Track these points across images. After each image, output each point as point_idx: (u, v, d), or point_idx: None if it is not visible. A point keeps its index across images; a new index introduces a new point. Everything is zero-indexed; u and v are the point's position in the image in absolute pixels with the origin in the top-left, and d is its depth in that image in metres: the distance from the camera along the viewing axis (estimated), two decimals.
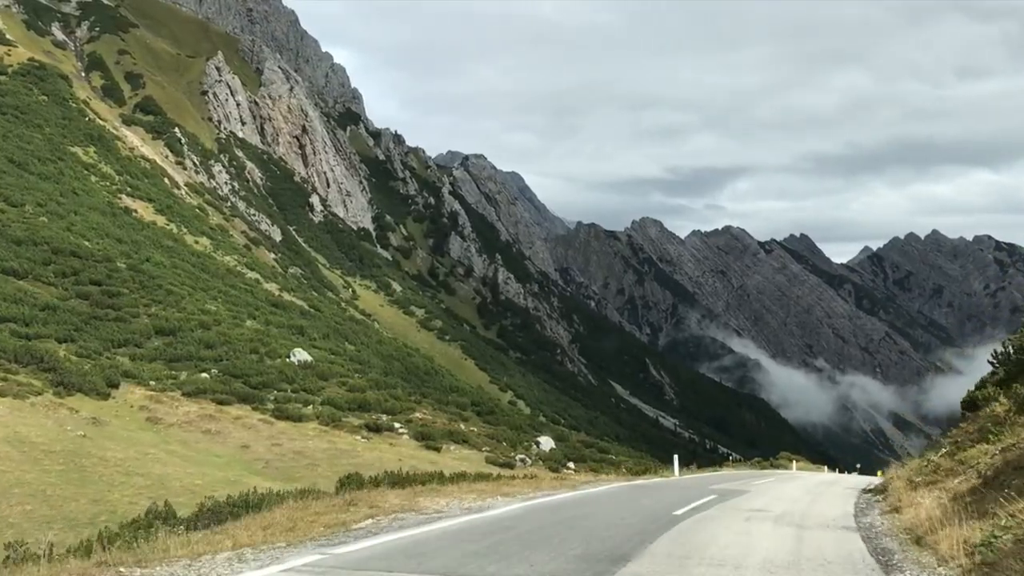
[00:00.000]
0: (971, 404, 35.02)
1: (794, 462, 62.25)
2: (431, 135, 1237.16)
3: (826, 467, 71.19)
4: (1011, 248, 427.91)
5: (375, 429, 37.79)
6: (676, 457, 36.56)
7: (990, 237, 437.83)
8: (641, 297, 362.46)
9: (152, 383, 38.78)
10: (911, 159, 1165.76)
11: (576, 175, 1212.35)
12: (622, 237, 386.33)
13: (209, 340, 46.79)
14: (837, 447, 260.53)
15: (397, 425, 39.18)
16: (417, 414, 42.82)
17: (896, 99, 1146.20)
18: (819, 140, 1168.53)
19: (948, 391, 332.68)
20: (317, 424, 36.88)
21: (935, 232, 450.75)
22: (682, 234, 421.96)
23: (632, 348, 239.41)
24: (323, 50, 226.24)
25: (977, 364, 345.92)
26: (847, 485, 30.47)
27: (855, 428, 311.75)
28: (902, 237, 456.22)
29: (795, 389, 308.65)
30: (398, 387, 48.68)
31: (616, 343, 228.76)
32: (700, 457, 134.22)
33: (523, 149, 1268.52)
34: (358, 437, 36.13)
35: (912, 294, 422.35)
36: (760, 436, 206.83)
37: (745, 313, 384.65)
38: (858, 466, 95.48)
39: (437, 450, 37.10)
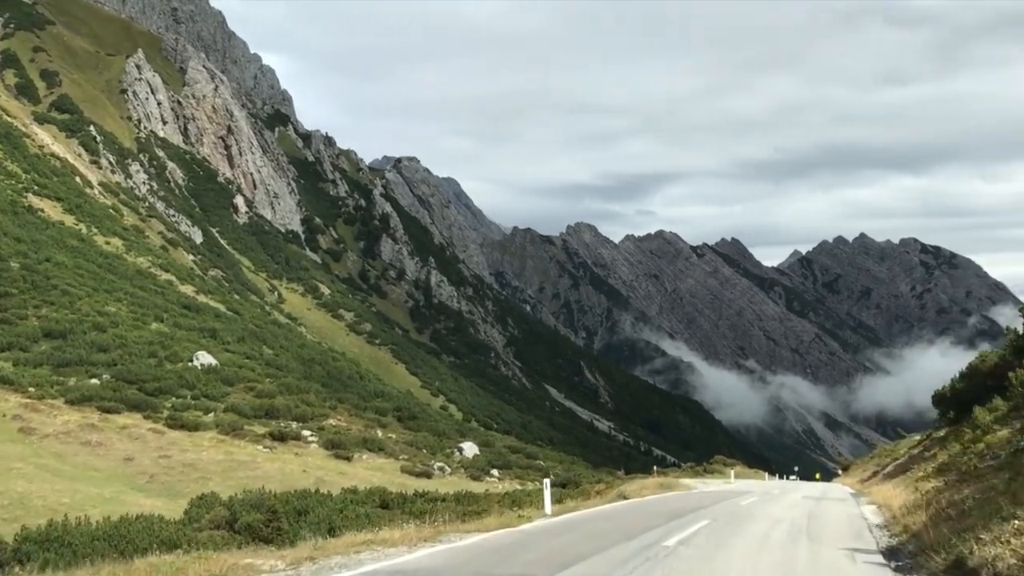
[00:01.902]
0: (940, 400, 34.29)
1: (732, 470, 60.17)
2: (368, 140, 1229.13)
3: (766, 474, 69.36)
4: (936, 251, 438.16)
5: (280, 438, 34.90)
6: (547, 485, 22.09)
7: (916, 240, 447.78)
8: (576, 301, 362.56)
9: (31, 389, 35.34)
10: (838, 164, 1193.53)
11: (512, 180, 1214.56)
12: (557, 242, 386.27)
13: (103, 343, 43.32)
14: (771, 448, 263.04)
15: (306, 433, 36.31)
16: (331, 421, 40.02)
17: (823, 104, 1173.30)
18: (749, 145, 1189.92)
19: (876, 391, 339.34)
20: (215, 433, 33.84)
21: (862, 235, 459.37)
22: (616, 239, 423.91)
23: (567, 352, 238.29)
24: (252, 52, 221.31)
25: (905, 364, 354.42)
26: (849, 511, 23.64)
27: (787, 429, 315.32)
28: (830, 240, 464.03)
29: (728, 390, 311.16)
30: (312, 392, 45.66)
31: (551, 347, 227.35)
32: (634, 460, 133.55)
33: (459, 154, 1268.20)
34: (260, 447, 33.21)
35: (841, 296, 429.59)
36: (695, 438, 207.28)
37: (678, 316, 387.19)
38: (796, 469, 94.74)
39: (348, 459, 34.34)
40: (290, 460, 32.20)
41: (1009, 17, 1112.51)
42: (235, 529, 14.83)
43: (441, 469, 36.98)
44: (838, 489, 39.32)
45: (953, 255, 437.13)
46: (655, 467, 58.98)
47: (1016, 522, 10.04)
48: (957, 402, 32.48)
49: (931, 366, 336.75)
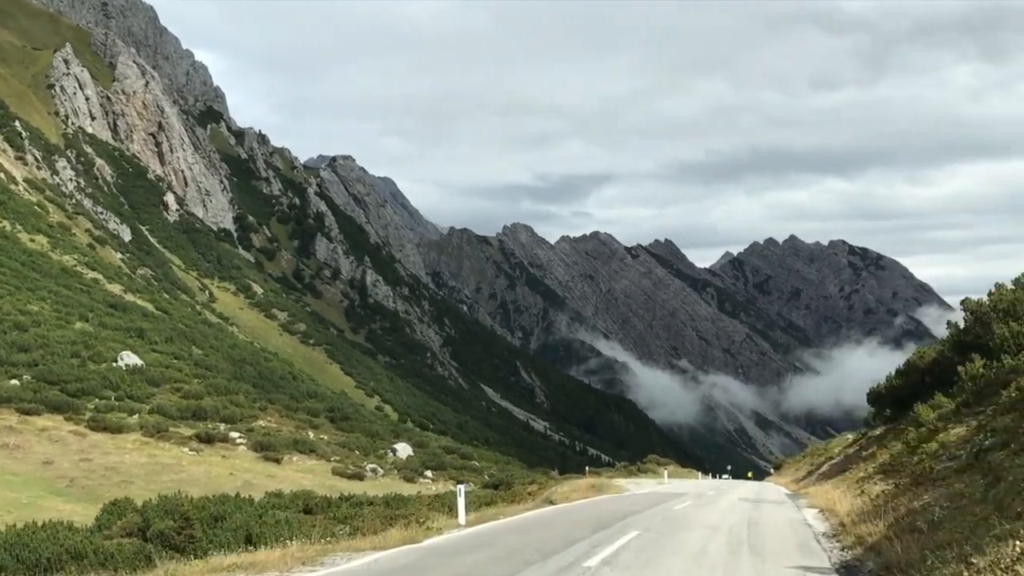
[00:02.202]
0: (876, 398, 34.21)
1: (665, 470, 60.49)
2: (303, 139, 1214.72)
3: (699, 473, 69.85)
4: (864, 252, 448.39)
5: (207, 440, 34.20)
6: (461, 492, 19.52)
7: (844, 242, 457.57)
8: (513, 301, 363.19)
9: None
10: (769, 167, 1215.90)
11: (449, 181, 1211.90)
12: (494, 242, 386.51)
13: (24, 343, 42.01)
14: (703, 447, 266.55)
15: (235, 435, 35.65)
16: (261, 422, 39.36)
17: (755, 108, 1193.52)
18: (683, 148, 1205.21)
19: (805, 390, 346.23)
20: (140, 435, 33.04)
21: (792, 237, 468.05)
22: (552, 240, 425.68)
23: (503, 352, 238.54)
24: (184, 48, 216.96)
25: (834, 364, 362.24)
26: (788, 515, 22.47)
27: (719, 428, 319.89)
28: (761, 242, 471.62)
29: (661, 390, 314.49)
30: (242, 393, 44.86)
31: (488, 347, 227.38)
32: (570, 460, 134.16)
33: (396, 154, 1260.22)
34: (186, 449, 32.51)
35: (771, 297, 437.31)
36: (629, 438, 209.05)
37: (613, 316, 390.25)
38: (729, 468, 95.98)
39: (278, 461, 33.80)
40: (217, 463, 31.59)
41: (933, 24, 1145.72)
42: (147, 537, 14.21)
43: (374, 471, 36.62)
44: (773, 490, 37.93)
45: (880, 257, 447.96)
46: (587, 468, 59.02)
47: (1018, 543, 8.08)
48: (894, 400, 32.14)
49: (859, 366, 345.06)
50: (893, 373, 33.59)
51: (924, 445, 18.78)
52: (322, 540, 14.95)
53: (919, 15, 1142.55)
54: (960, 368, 20.98)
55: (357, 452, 40.42)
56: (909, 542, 11.21)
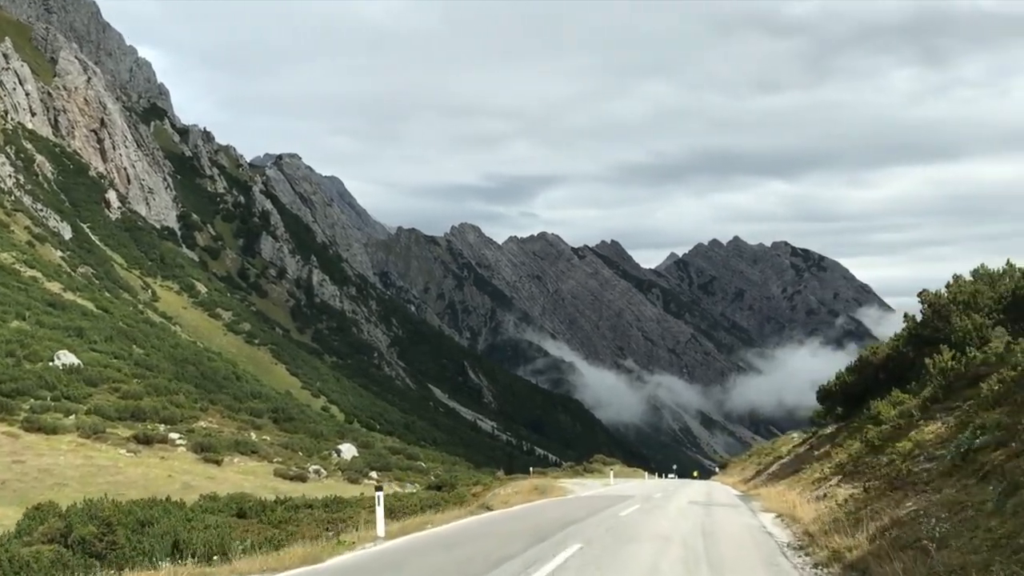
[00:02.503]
0: (826, 395, 33.61)
1: (611, 470, 60.46)
2: (250, 137, 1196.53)
3: (646, 473, 69.69)
4: (806, 254, 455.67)
5: (146, 441, 33.67)
6: (379, 500, 17.00)
7: (787, 244, 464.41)
8: (461, 302, 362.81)
9: None
10: (713, 169, 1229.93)
11: (397, 181, 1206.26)
12: (442, 242, 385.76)
13: None
14: (649, 446, 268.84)
15: (175, 436, 35.14)
16: (202, 423, 38.85)
17: (699, 110, 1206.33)
18: (628, 149, 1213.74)
19: (748, 390, 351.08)
20: (76, 437, 32.41)
21: (736, 239, 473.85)
22: (500, 240, 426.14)
23: (451, 352, 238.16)
24: (128, 44, 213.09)
25: (776, 364, 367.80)
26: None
27: (664, 427, 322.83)
28: (706, 243, 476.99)
29: (607, 390, 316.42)
30: (182, 393, 44.23)
31: (435, 347, 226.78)
32: (517, 459, 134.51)
33: (344, 154, 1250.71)
34: (123, 451, 31.96)
35: (716, 298, 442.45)
36: (576, 437, 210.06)
37: (560, 317, 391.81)
38: (674, 467, 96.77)
39: (218, 463, 33.41)
40: (155, 464, 31.12)
41: (875, 29, 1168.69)
42: (68, 543, 13.69)
43: (317, 472, 36.34)
44: (723, 490, 36.09)
45: (822, 258, 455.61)
46: (531, 468, 58.86)
47: None
48: (846, 397, 31.54)
49: (801, 365, 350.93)
50: (844, 370, 32.83)
51: (895, 444, 17.39)
52: (209, 562, 13.14)
53: (861, 19, 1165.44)
54: (928, 360, 20.01)
55: (300, 453, 40.11)
56: (910, 562, 9.35)
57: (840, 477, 20.72)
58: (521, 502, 26.39)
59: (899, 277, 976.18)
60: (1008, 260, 24.30)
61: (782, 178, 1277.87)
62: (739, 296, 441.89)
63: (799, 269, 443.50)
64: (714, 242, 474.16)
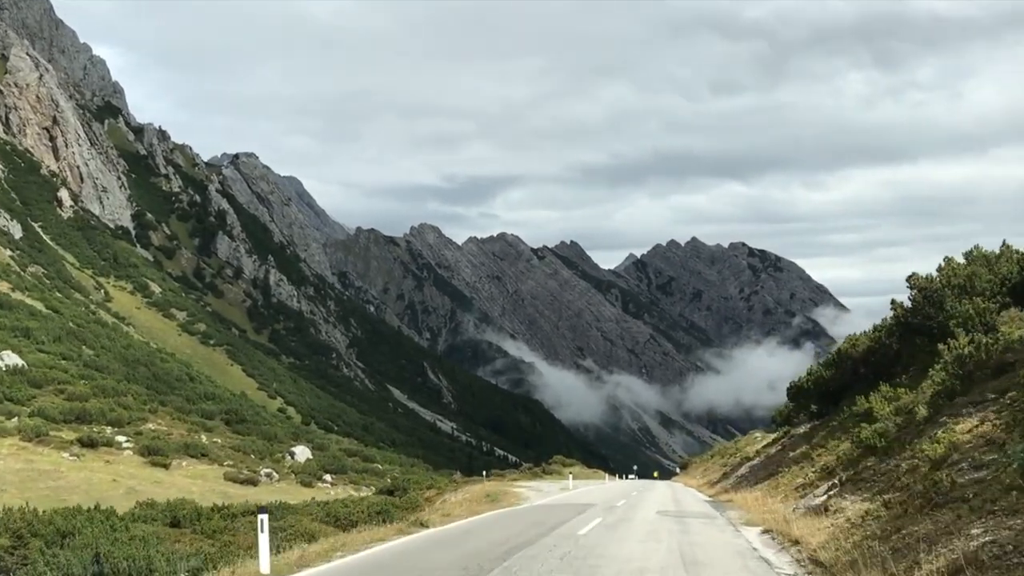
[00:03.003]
0: (797, 392, 32.40)
1: (570, 473, 58.73)
2: (207, 137, 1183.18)
3: (606, 475, 68.58)
4: (763, 254, 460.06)
5: (91, 444, 32.81)
6: (263, 525, 12.72)
7: (744, 244, 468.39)
8: (420, 302, 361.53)
9: None
10: (670, 171, 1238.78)
11: (356, 181, 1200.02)
12: (401, 243, 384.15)
13: None
14: (608, 446, 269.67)
15: (121, 439, 34.29)
16: (150, 425, 37.99)
17: (657, 112, 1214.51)
18: (587, 151, 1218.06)
19: (706, 389, 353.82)
20: (17, 440, 31.50)
21: (694, 239, 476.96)
22: (459, 240, 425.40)
23: (410, 352, 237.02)
24: (82, 41, 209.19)
25: (734, 364, 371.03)
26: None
27: (624, 427, 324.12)
28: (664, 244, 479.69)
29: (567, 390, 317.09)
30: (131, 395, 43.23)
31: (395, 348, 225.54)
32: (477, 460, 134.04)
33: (302, 154, 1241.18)
34: (66, 455, 31.09)
35: (674, 298, 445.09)
36: (536, 438, 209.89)
37: (520, 317, 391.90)
38: (635, 468, 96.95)
39: (166, 467, 32.65)
40: (99, 469, 30.29)
41: (829, 32, 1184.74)
42: None
43: (269, 475, 35.67)
44: (690, 496, 33.14)
45: (778, 259, 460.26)
46: (485, 472, 57.60)
47: None
48: (821, 394, 29.97)
49: (758, 365, 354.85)
50: (819, 364, 31.11)
51: (914, 447, 14.60)
52: None
53: (816, 23, 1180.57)
54: (942, 346, 17.42)
55: (253, 456, 39.38)
56: None
57: (833, 484, 18.23)
58: (466, 514, 23.54)
59: (854, 278, 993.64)
60: (1004, 241, 22.94)
61: (738, 180, 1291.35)
62: (697, 296, 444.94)
63: (756, 270, 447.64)
64: (672, 243, 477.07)
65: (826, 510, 15.80)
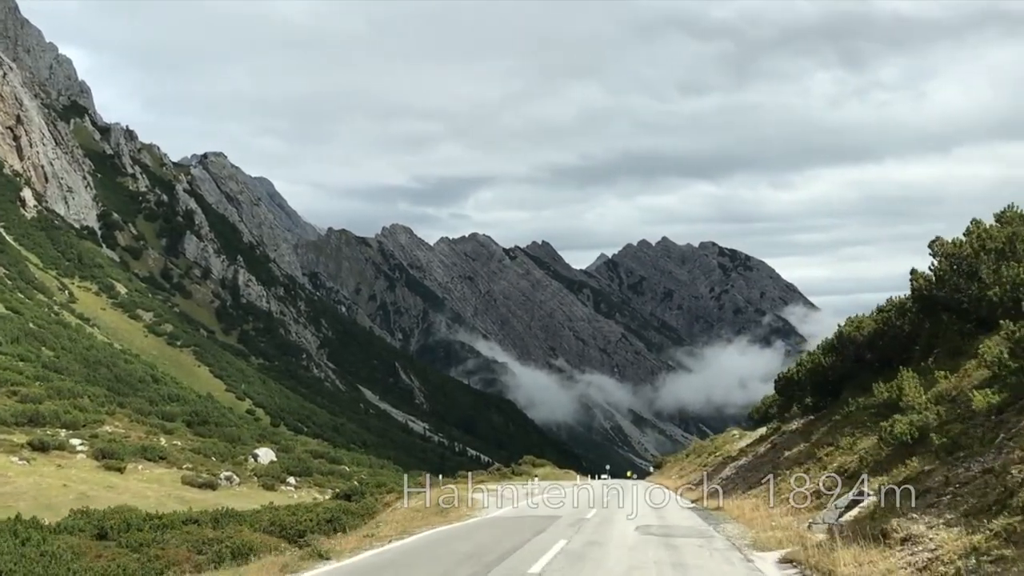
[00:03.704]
0: (786, 384, 29.97)
1: (536, 476, 55.97)
2: (178, 138, 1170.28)
3: (577, 477, 66.33)
4: (732, 254, 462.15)
5: (42, 447, 31.89)
6: None
7: (714, 244, 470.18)
8: (393, 303, 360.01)
9: None
10: (639, 171, 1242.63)
11: (327, 182, 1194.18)
12: (373, 243, 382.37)
13: None
14: (581, 445, 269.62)
15: (76, 442, 33.37)
16: (107, 427, 37.06)
17: (626, 112, 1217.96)
18: (557, 151, 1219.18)
19: (678, 387, 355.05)
20: None
21: (665, 239, 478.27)
22: (431, 241, 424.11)
23: (382, 353, 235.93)
24: (48, 41, 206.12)
25: (705, 362, 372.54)
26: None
27: (596, 426, 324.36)
28: (635, 244, 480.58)
29: (540, 390, 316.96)
30: (87, 396, 42.19)
31: (366, 348, 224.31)
32: (449, 461, 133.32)
33: (273, 154, 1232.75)
34: (15, 458, 30.17)
35: (645, 297, 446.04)
36: (508, 437, 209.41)
37: (492, 317, 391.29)
38: (607, 468, 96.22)
39: (120, 471, 31.77)
40: (50, 473, 29.38)
41: (796, 32, 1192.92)
42: None
43: (228, 479, 34.87)
44: (673, 504, 28.43)
45: (748, 258, 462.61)
46: (440, 476, 53.77)
47: None
48: (818, 384, 26.74)
49: (729, 363, 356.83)
50: (818, 350, 27.36)
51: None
52: None
53: (783, 23, 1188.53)
54: (1002, 322, 13.66)
55: (214, 459, 38.55)
56: None
57: (861, 492, 14.45)
58: (396, 533, 19.50)
59: (822, 277, 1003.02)
60: None
61: (707, 180, 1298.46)
62: (668, 296, 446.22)
63: (726, 269, 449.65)
64: (643, 243, 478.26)
65: (885, 536, 11.05)
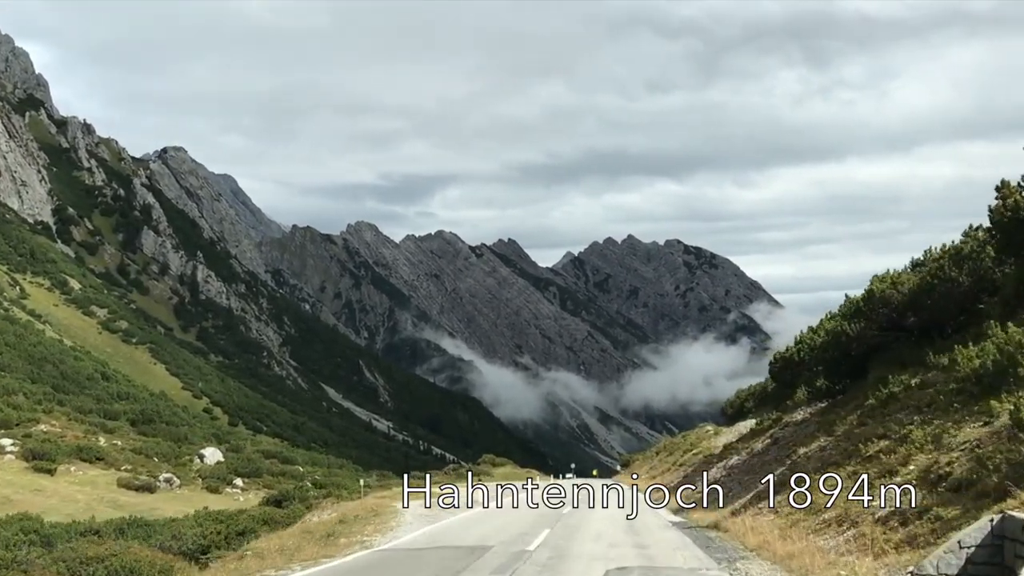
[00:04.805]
0: (784, 366, 26.46)
1: (478, 480, 50.31)
2: (140, 135, 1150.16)
3: (538, 475, 62.64)
4: (698, 252, 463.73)
5: None
6: None
7: (679, 242, 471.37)
8: (358, 301, 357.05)
9: None
10: (606, 169, 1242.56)
11: (292, 179, 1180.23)
12: (338, 241, 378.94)
13: None
14: (547, 443, 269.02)
15: (6, 442, 31.70)
16: (42, 426, 35.28)
17: (593, 111, 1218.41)
18: (524, 149, 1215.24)
19: (643, 385, 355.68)
20: None
21: (631, 237, 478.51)
22: (397, 239, 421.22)
23: (346, 351, 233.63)
24: (4, 33, 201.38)
25: (671, 360, 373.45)
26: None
27: (563, 424, 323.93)
28: (601, 242, 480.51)
29: (506, 388, 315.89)
30: (23, 393, 40.29)
31: (329, 346, 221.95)
32: (414, 459, 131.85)
33: (237, 151, 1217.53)
34: None
35: (611, 295, 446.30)
36: (474, 436, 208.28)
37: (458, 315, 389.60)
38: (573, 466, 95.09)
39: (51, 472, 30.02)
40: None
41: (761, 31, 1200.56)
42: None
43: (169, 481, 33.27)
44: (652, 519, 22.51)
45: (713, 256, 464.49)
46: (362, 481, 47.73)
47: None
48: (834, 361, 21.80)
49: (695, 360, 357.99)
50: (838, 314, 22.46)
51: None
52: None
53: (748, 21, 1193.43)
54: None
55: (156, 459, 36.91)
56: None
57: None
58: (256, 571, 14.97)
59: (787, 275, 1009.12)
60: None
61: (672, 178, 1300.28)
62: (634, 294, 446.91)
63: (691, 267, 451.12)
64: (609, 240, 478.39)
65: None
